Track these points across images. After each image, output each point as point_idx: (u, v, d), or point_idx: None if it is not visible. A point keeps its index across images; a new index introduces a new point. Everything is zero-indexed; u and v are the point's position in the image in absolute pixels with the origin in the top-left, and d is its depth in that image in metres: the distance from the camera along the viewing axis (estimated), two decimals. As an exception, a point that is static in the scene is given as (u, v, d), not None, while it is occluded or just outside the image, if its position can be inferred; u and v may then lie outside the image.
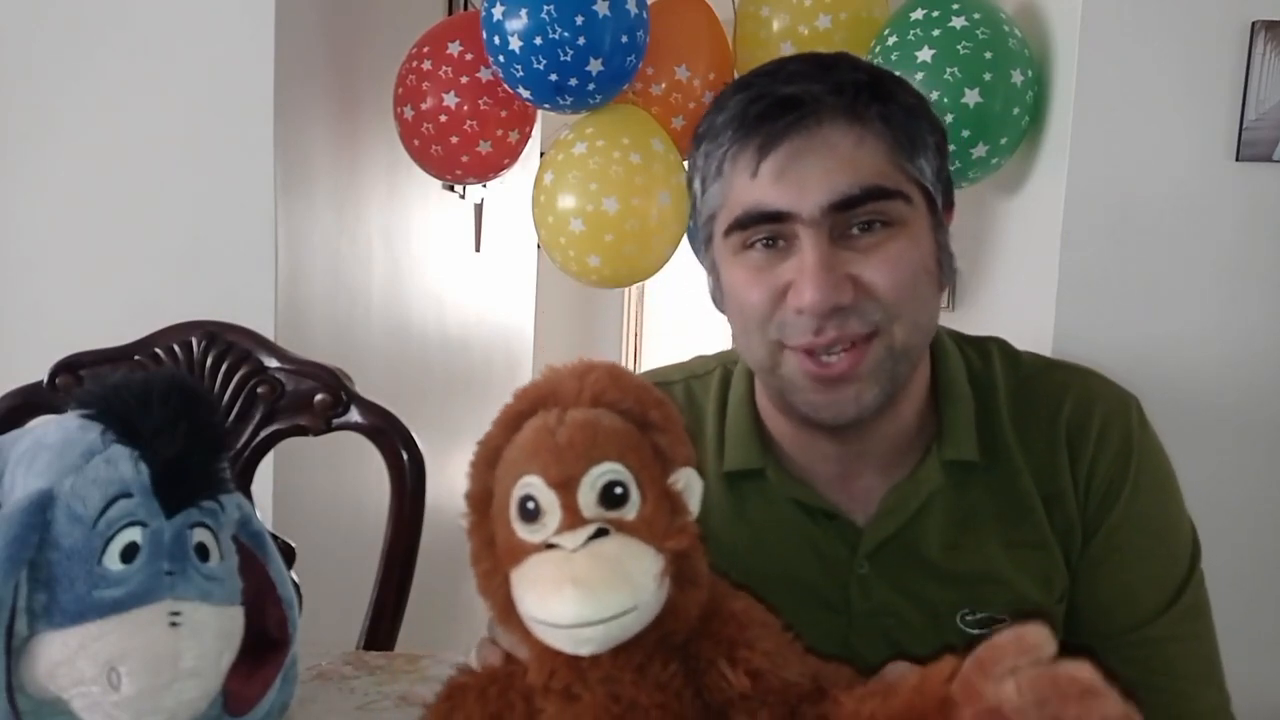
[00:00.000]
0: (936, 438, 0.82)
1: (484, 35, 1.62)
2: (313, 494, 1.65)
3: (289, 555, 1.07)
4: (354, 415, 1.11)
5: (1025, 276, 1.68)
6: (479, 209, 2.83)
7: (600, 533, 0.52)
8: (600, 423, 0.55)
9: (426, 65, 1.74)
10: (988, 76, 1.51)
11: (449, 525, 2.55)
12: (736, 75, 1.85)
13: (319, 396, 1.11)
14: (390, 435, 1.12)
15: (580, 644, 0.51)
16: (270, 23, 1.43)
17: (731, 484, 0.85)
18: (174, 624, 0.55)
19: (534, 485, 0.53)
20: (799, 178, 0.72)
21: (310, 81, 1.62)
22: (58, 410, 1.02)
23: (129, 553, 0.56)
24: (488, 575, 0.56)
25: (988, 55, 1.52)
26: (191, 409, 0.60)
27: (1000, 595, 0.80)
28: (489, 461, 0.57)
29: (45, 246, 1.48)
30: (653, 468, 0.55)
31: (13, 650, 0.54)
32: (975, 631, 0.80)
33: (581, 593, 0.50)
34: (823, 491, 0.83)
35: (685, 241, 1.84)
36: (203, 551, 0.59)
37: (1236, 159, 1.48)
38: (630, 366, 6.54)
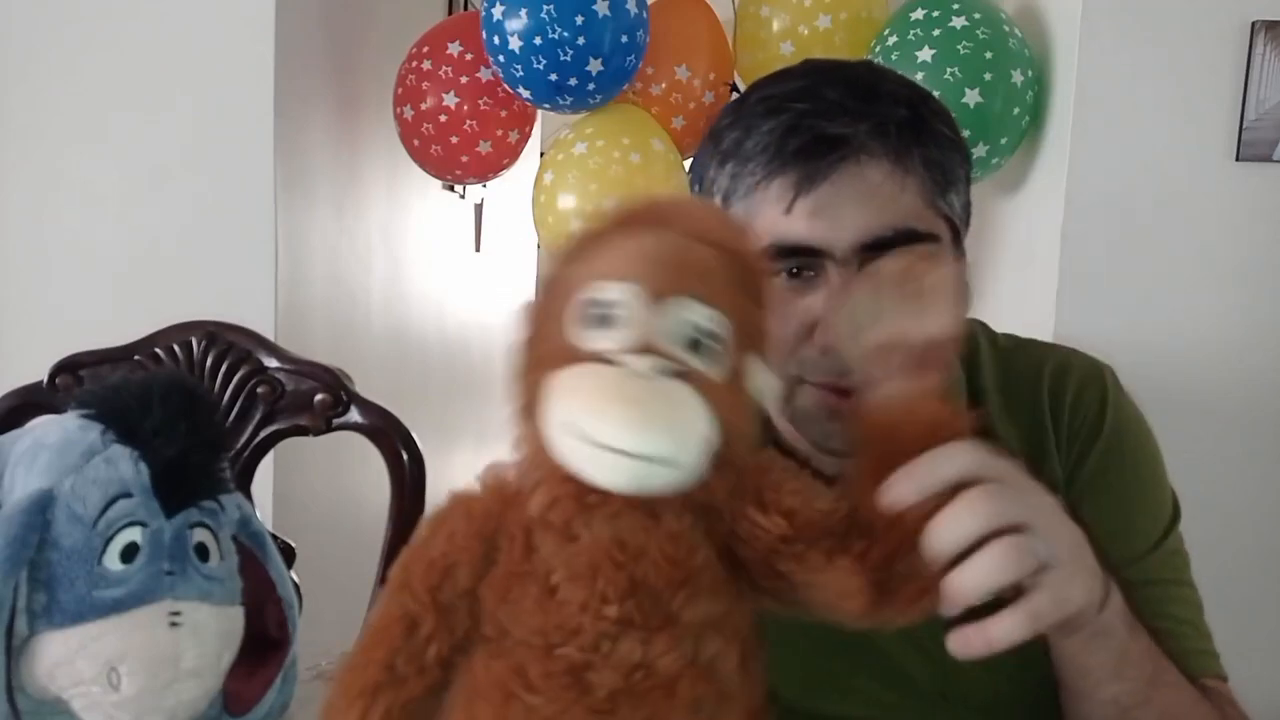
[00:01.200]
0: None
1: (484, 35, 1.62)
2: (313, 494, 1.65)
3: (289, 555, 1.07)
4: (354, 415, 1.11)
5: (1025, 276, 1.68)
6: (479, 209, 2.83)
7: (675, 376, 0.45)
8: (712, 260, 0.48)
9: (426, 65, 1.74)
10: (988, 76, 1.51)
11: (449, 525, 2.49)
12: (737, 75, 1.85)
13: (319, 396, 1.11)
14: (390, 435, 1.11)
15: (604, 470, 0.44)
16: (270, 23, 1.43)
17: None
18: (174, 624, 0.55)
19: (620, 290, 0.45)
20: (835, 216, 0.70)
21: (310, 81, 1.62)
22: (58, 410, 1.02)
23: (129, 553, 0.56)
24: (528, 377, 0.48)
25: (988, 55, 1.52)
26: (191, 409, 0.60)
27: None
28: (568, 258, 0.50)
29: (45, 246, 1.48)
30: (744, 340, 0.48)
31: (13, 650, 0.54)
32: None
33: (632, 414, 0.43)
34: (819, 444, 0.80)
35: (685, 241, 1.84)
36: (203, 551, 0.59)
37: (1236, 159, 1.48)
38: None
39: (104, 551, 0.55)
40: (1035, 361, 0.84)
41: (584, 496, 0.46)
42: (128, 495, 0.56)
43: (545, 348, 0.48)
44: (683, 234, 0.48)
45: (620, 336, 0.45)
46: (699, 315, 0.46)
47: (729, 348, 0.47)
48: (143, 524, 0.56)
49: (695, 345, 0.46)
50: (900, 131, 0.71)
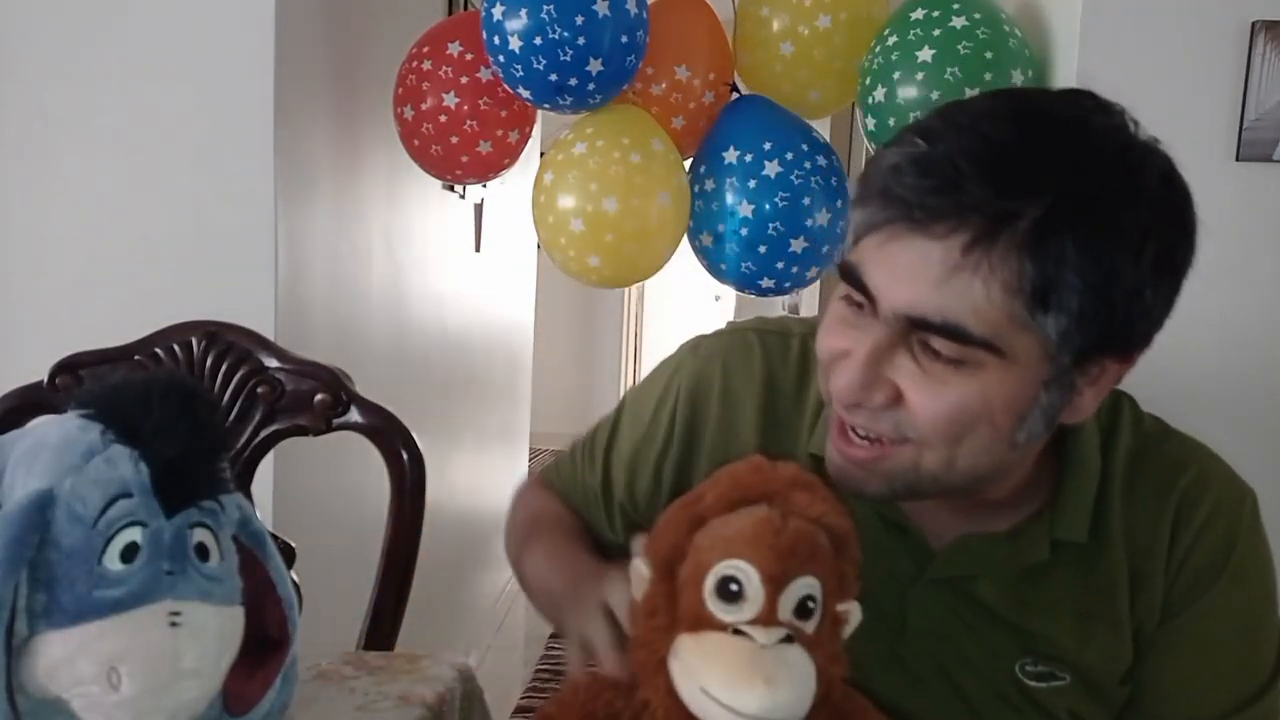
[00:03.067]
0: (1050, 507, 0.75)
1: (484, 35, 1.62)
2: (313, 494, 1.65)
3: (289, 555, 1.07)
4: (354, 415, 1.11)
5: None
6: (479, 209, 2.83)
7: (786, 638, 0.57)
8: (818, 538, 0.60)
9: (426, 65, 1.74)
10: (988, 76, 1.51)
11: (449, 525, 2.57)
12: (737, 75, 1.85)
13: (319, 396, 1.11)
14: (390, 435, 1.12)
15: None
16: (270, 23, 1.43)
17: (816, 465, 0.79)
18: (174, 624, 0.55)
19: (745, 570, 0.57)
20: (893, 272, 0.64)
21: (310, 81, 1.62)
22: (58, 410, 1.01)
23: (129, 553, 0.56)
24: (662, 630, 0.59)
25: (988, 55, 1.52)
26: (192, 409, 0.59)
27: (1061, 660, 0.77)
28: (692, 525, 0.61)
29: (45, 246, 1.48)
30: (836, 593, 0.60)
31: (13, 650, 0.54)
32: (1033, 684, 0.77)
33: (770, 691, 0.55)
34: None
35: (685, 241, 1.84)
36: (203, 551, 0.59)
37: (1236, 159, 1.48)
38: (630, 366, 6.55)
39: (104, 551, 0.55)
40: (1175, 462, 0.77)
41: None
42: (128, 495, 0.56)
43: (683, 611, 0.59)
44: (796, 513, 0.60)
45: (745, 610, 0.57)
46: (806, 586, 0.58)
47: (828, 603, 0.59)
48: (143, 524, 0.56)
49: (804, 610, 0.58)
50: (1012, 233, 0.61)
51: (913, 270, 0.63)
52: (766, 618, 0.57)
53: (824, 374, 0.72)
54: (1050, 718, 0.78)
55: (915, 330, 0.65)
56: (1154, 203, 0.66)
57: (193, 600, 0.56)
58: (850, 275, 0.68)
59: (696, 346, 0.90)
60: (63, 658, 0.54)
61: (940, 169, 0.63)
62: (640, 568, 0.62)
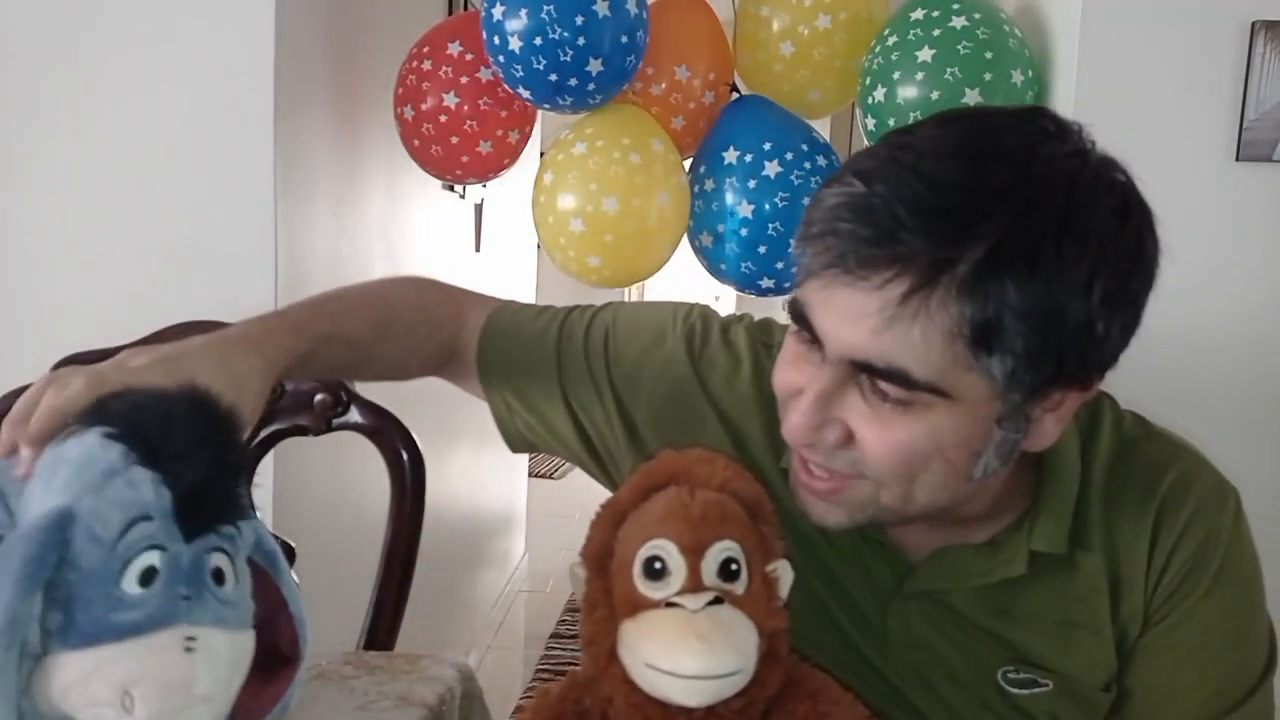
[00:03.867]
0: (1029, 519, 0.74)
1: (484, 35, 1.62)
2: (313, 494, 1.65)
3: (289, 555, 1.07)
4: (354, 415, 1.11)
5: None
6: (479, 209, 2.83)
7: (716, 600, 0.60)
8: (727, 505, 0.63)
9: (426, 65, 1.74)
10: (988, 76, 1.51)
11: (449, 525, 2.56)
12: (737, 75, 1.85)
13: (319, 396, 1.11)
14: (390, 435, 1.12)
15: (692, 694, 0.58)
16: (270, 23, 1.43)
17: (788, 480, 0.78)
18: (189, 649, 0.55)
19: (664, 548, 0.61)
20: (836, 313, 0.64)
21: (310, 81, 1.62)
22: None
23: (147, 576, 0.55)
24: (603, 622, 0.63)
25: (988, 55, 1.52)
26: (215, 432, 0.59)
27: (1043, 667, 0.76)
28: (614, 522, 0.65)
29: (45, 246, 1.48)
30: (759, 553, 0.63)
31: (22, 668, 0.54)
32: (1016, 691, 0.76)
33: (705, 647, 0.58)
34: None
35: (685, 241, 1.84)
36: (219, 576, 0.58)
37: (1236, 159, 1.48)
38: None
39: (122, 574, 0.55)
40: (1157, 463, 0.76)
41: (672, 716, 0.60)
42: (148, 518, 0.56)
43: (618, 599, 0.62)
44: (701, 485, 0.64)
45: (671, 583, 0.60)
46: (725, 549, 0.61)
47: (752, 564, 0.62)
48: (162, 548, 0.56)
49: (728, 572, 0.61)
50: (954, 264, 0.60)
51: (853, 317, 0.63)
52: (692, 585, 0.60)
53: (781, 409, 0.72)
54: None
55: (861, 372, 0.65)
56: (1103, 239, 0.63)
57: (208, 626, 0.56)
58: (798, 316, 0.68)
59: (726, 328, 0.88)
60: (77, 679, 0.54)
61: (877, 217, 0.61)
62: (577, 570, 0.65)
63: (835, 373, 0.65)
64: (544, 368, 0.89)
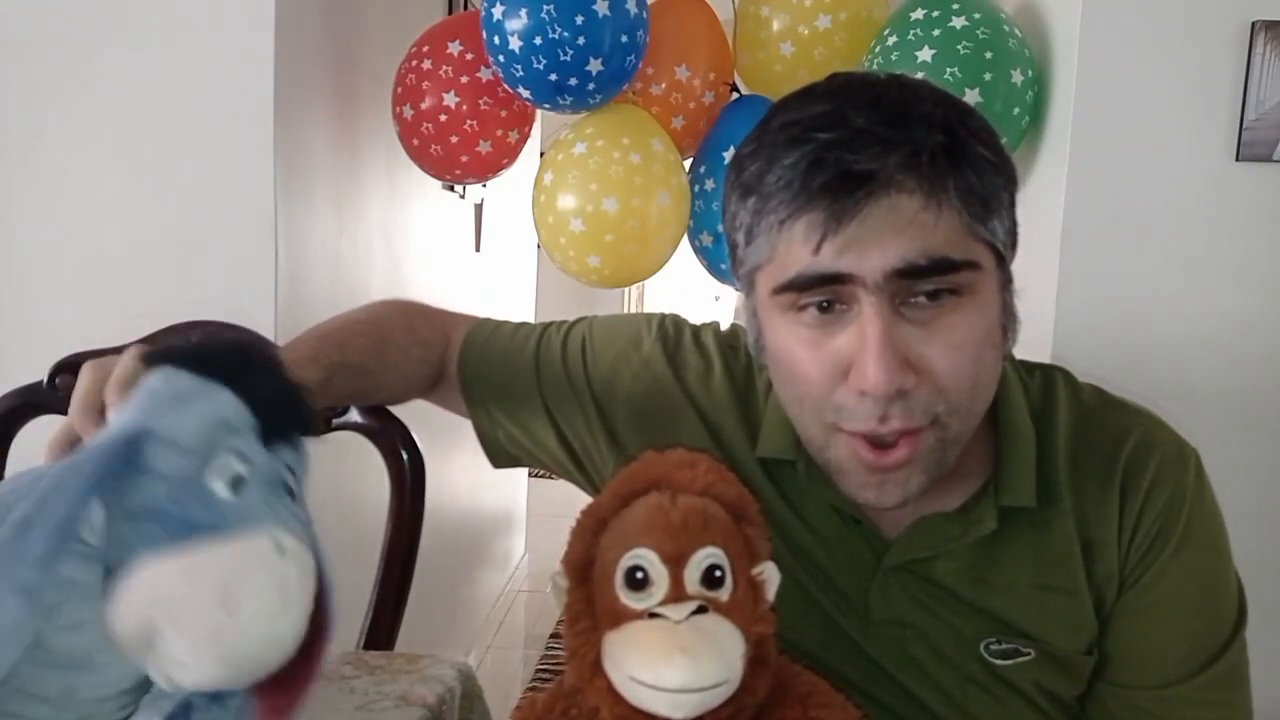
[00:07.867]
0: (994, 479, 0.77)
1: (484, 35, 1.62)
2: (312, 494, 1.64)
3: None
4: (353, 415, 1.11)
5: (1025, 276, 1.68)
6: (479, 209, 2.83)
7: (700, 609, 0.58)
8: (709, 510, 0.62)
9: (426, 65, 1.74)
10: (988, 76, 1.51)
11: (449, 525, 2.56)
12: (737, 75, 1.85)
13: (319, 396, 1.10)
14: (390, 435, 1.12)
15: (677, 708, 0.57)
16: (270, 23, 1.43)
17: (765, 468, 0.82)
18: (281, 552, 0.54)
19: (645, 557, 0.59)
20: (864, 249, 0.66)
21: (310, 81, 1.62)
22: (58, 410, 1.02)
23: (236, 483, 0.55)
24: (585, 633, 0.61)
25: (988, 55, 1.52)
26: (278, 357, 0.62)
27: (1024, 635, 0.77)
28: (595, 530, 0.63)
29: (45, 246, 1.48)
30: (744, 557, 0.62)
31: (95, 589, 0.53)
32: (998, 661, 0.77)
33: (689, 660, 0.56)
34: (852, 494, 0.77)
35: (685, 241, 1.84)
36: (289, 492, 0.59)
37: (1236, 159, 1.48)
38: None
39: (211, 480, 0.55)
40: (1117, 430, 0.79)
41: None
42: (230, 429, 0.56)
43: (600, 610, 0.61)
44: (682, 490, 0.62)
45: (654, 593, 0.59)
46: (707, 556, 0.59)
47: (737, 569, 0.61)
48: (244, 456, 0.56)
49: (712, 579, 0.59)
50: (934, 160, 0.66)
51: (888, 234, 0.66)
52: (675, 595, 0.59)
53: (818, 408, 0.71)
54: (1019, 694, 0.79)
55: (906, 282, 0.67)
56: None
57: (291, 535, 0.56)
58: (816, 279, 0.68)
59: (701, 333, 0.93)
60: (175, 582, 0.52)
61: (859, 142, 0.66)
62: (558, 580, 0.64)
63: (881, 301, 0.67)
64: (524, 377, 0.93)
